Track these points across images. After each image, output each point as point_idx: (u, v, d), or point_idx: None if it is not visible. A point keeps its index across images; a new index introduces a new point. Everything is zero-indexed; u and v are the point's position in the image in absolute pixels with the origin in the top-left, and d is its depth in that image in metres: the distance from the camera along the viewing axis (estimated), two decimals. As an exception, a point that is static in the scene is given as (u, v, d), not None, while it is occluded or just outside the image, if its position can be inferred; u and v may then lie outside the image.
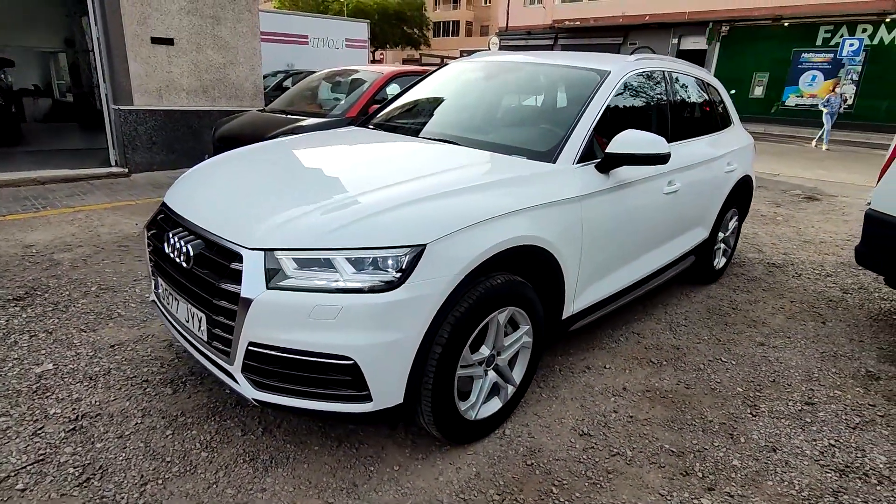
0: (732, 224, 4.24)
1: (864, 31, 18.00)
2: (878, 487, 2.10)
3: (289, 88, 13.35)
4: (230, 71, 7.32)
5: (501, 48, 29.15)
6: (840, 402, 2.66)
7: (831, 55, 18.57)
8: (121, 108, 6.56)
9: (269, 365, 1.82)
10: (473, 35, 63.01)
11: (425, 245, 1.79)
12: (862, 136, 16.10)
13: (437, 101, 3.30)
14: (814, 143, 14.22)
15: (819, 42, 19.13)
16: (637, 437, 2.33)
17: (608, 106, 2.69)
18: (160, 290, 2.26)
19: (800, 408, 2.60)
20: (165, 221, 2.24)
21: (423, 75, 3.65)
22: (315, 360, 1.76)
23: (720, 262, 4.21)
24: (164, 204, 2.35)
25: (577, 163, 2.46)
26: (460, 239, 1.88)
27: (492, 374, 2.23)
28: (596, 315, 2.78)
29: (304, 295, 1.73)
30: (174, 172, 6.96)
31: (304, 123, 4.69)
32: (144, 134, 6.76)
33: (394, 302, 1.73)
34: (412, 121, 3.16)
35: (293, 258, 1.79)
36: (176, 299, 2.10)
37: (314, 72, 15.50)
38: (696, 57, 20.86)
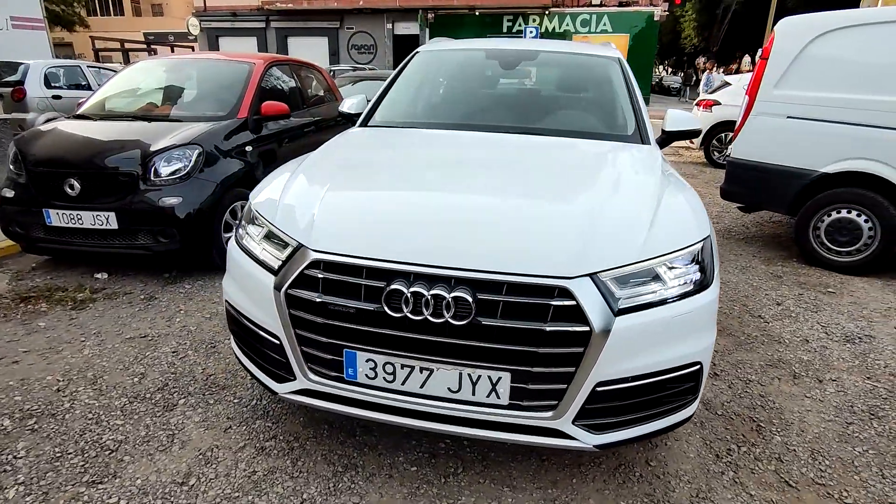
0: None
1: (535, 20, 22.47)
2: (876, 343, 3.03)
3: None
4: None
5: (202, 31, 26.13)
6: (789, 298, 3.66)
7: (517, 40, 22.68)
8: None
9: (612, 402, 1.60)
10: (144, 15, 53.97)
11: (709, 235, 1.82)
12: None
13: (458, 94, 3.05)
14: None
15: (505, 29, 23.04)
16: (742, 364, 2.80)
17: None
18: (361, 370, 1.65)
19: (778, 309, 3.49)
20: (349, 273, 1.62)
21: (401, 69, 3.27)
22: (663, 378, 1.64)
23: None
24: (309, 250, 1.67)
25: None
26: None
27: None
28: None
29: (653, 312, 1.58)
30: None
31: (198, 131, 3.61)
32: None
33: (716, 296, 1.73)
34: (452, 117, 2.84)
35: (614, 276, 1.60)
36: (425, 370, 1.60)
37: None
38: (411, 41, 22.68)
